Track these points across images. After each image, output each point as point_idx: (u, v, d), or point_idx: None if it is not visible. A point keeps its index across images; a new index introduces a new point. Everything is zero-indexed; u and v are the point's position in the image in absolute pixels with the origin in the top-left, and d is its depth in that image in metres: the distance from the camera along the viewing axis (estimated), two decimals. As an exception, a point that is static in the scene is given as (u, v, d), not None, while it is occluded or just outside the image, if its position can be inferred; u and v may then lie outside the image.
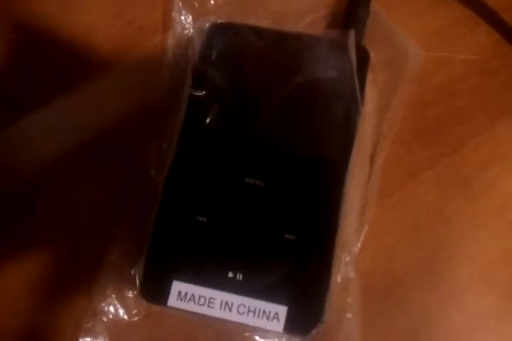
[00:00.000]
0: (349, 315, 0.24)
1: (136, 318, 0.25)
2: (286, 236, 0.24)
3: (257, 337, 0.24)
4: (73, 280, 0.26)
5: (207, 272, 0.24)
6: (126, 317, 0.25)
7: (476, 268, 0.25)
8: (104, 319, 0.25)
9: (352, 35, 0.26)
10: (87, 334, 0.25)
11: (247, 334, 0.24)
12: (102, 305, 0.25)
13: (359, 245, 0.25)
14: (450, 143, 0.27)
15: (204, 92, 0.26)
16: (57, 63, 0.29)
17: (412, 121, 0.27)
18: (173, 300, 0.24)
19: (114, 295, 0.25)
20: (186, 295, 0.24)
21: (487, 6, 0.28)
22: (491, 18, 0.28)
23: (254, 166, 0.25)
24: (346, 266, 0.24)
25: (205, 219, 0.25)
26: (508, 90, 0.27)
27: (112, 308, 0.25)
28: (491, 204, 0.26)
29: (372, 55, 0.27)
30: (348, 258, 0.25)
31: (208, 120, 0.26)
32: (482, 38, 0.28)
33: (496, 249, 0.26)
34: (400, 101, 0.27)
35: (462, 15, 0.28)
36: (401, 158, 0.27)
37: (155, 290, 0.24)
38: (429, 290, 0.25)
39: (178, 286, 0.24)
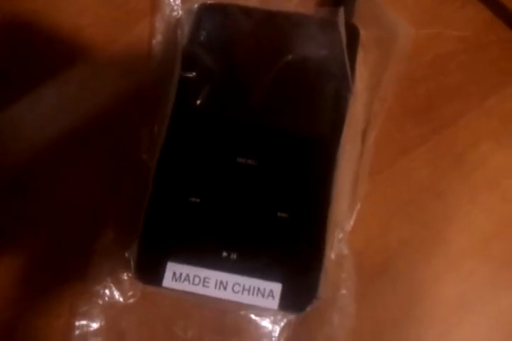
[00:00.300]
0: (343, 291, 0.24)
1: (131, 300, 0.25)
2: (278, 214, 0.24)
3: (252, 315, 0.24)
4: (67, 266, 0.26)
5: (201, 252, 0.24)
6: (121, 299, 0.25)
7: (470, 242, 0.25)
8: (100, 302, 0.25)
9: (341, 12, 0.26)
10: (83, 317, 0.25)
11: (242, 312, 0.24)
12: (97, 288, 0.25)
13: (352, 222, 0.25)
14: (441, 119, 0.27)
15: (194, 74, 0.26)
16: (45, 49, 0.28)
17: (403, 99, 0.27)
18: (168, 281, 0.24)
19: (108, 278, 0.25)
20: (181, 276, 0.24)
21: (477, -19, 0.28)
22: (481, -6, 0.28)
23: (246, 146, 0.25)
24: (340, 243, 0.25)
25: (198, 200, 0.25)
26: (498, 66, 0.27)
27: (107, 291, 0.25)
28: (484, 178, 0.26)
29: (363, 33, 0.27)
30: (341, 235, 0.25)
31: (198, 101, 0.26)
32: (473, 14, 0.28)
33: (489, 222, 0.26)
34: (391, 79, 0.27)
35: (452, -9, 0.28)
36: (392, 135, 0.27)
37: (150, 272, 0.24)
38: (423, 265, 0.25)
39: (172, 267, 0.24)
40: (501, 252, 0.25)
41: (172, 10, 0.28)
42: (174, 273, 0.24)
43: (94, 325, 0.25)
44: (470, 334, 0.25)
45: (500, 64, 0.27)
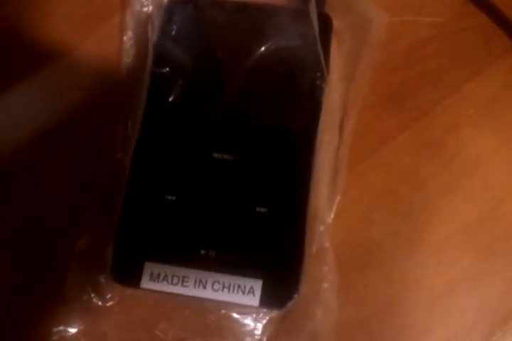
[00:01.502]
0: (325, 285, 0.23)
1: (110, 303, 0.25)
2: (257, 209, 0.24)
3: (234, 314, 0.24)
4: (44, 270, 0.25)
5: (179, 251, 0.24)
6: (100, 303, 0.24)
7: (453, 231, 0.25)
8: (78, 306, 0.25)
9: (313, 2, 0.25)
10: (62, 323, 0.25)
11: (223, 311, 0.24)
12: (75, 292, 0.25)
13: (332, 214, 0.25)
14: (419, 107, 0.26)
15: (166, 69, 0.26)
16: (14, 48, 0.28)
17: (379, 87, 0.27)
18: (146, 282, 0.23)
19: (86, 282, 0.25)
20: (159, 276, 0.23)
21: (449, -33, 0.27)
22: (454, -21, 0.27)
23: (221, 140, 0.25)
24: (321, 237, 0.24)
25: (174, 198, 0.24)
26: (474, 51, 0.27)
27: (85, 295, 0.25)
28: (464, 165, 0.26)
29: (336, 22, 0.27)
30: (322, 228, 0.24)
31: (171, 97, 0.26)
32: (445, 1, 0.27)
33: (471, 210, 0.25)
34: (366, 68, 0.26)
35: (424, -23, 0.28)
36: (370, 125, 0.26)
37: (127, 273, 0.24)
38: (406, 256, 0.25)
39: (150, 267, 0.23)
40: (484, 240, 0.25)
41: (142, 5, 0.28)
42: (152, 273, 0.23)
43: (73, 330, 0.25)
44: (455, 324, 0.24)
45: (476, 49, 0.27)
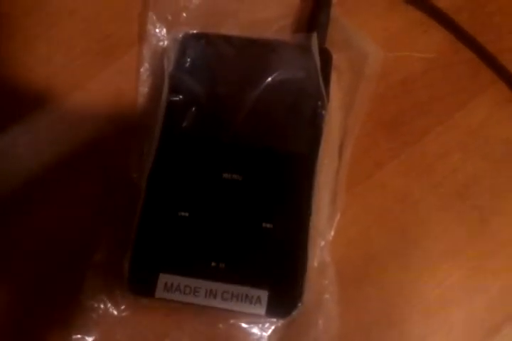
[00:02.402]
0: (327, 296, 0.25)
1: (125, 313, 0.26)
2: (263, 225, 0.26)
3: (241, 324, 0.25)
4: (62, 281, 0.27)
5: (191, 263, 0.25)
6: (115, 312, 0.26)
7: (444, 247, 0.27)
8: (94, 316, 0.26)
9: (314, 37, 0.28)
10: (79, 331, 0.26)
11: (231, 321, 0.25)
12: (92, 302, 0.26)
13: (333, 231, 0.27)
14: (412, 134, 0.29)
15: (180, 97, 0.28)
16: (36, 77, 0.30)
17: (376, 115, 0.29)
18: (160, 292, 0.25)
19: (102, 293, 0.26)
20: (172, 286, 0.25)
21: (438, 8, 0.30)
22: (443, 20, 0.30)
23: (231, 162, 0.27)
24: (322, 251, 0.26)
25: (187, 214, 0.26)
26: (462, 83, 0.29)
27: (101, 305, 0.26)
28: (454, 187, 0.28)
29: (336, 56, 0.29)
30: (322, 244, 0.26)
31: (185, 123, 0.28)
32: (436, 38, 0.30)
33: (461, 229, 0.27)
34: (363, 98, 0.29)
35: (417, 18, 0.30)
36: (367, 150, 0.28)
37: (142, 284, 0.25)
38: (402, 270, 0.27)
39: (164, 278, 0.25)
40: (474, 256, 0.27)
41: (158, 40, 0.30)
42: (166, 284, 0.25)
43: (90, 339, 0.26)
44: (448, 334, 0.26)
45: (463, 82, 0.29)
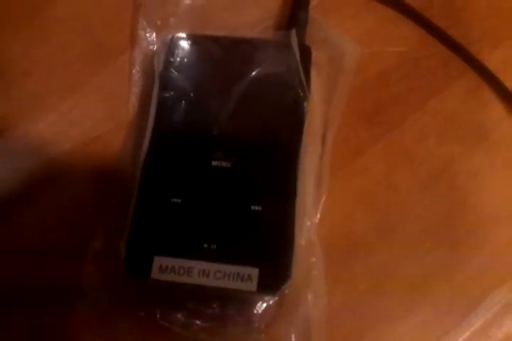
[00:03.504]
0: (315, 273, 0.26)
1: (120, 296, 0.27)
2: (252, 207, 0.27)
3: (234, 303, 0.27)
4: (61, 269, 0.28)
5: (184, 245, 0.27)
6: (111, 295, 0.27)
7: (425, 225, 0.28)
8: (93, 301, 0.27)
9: (293, 33, 0.30)
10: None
11: (225, 300, 0.27)
12: (90, 288, 0.27)
13: (319, 212, 0.28)
14: (390, 122, 0.30)
15: (170, 93, 0.30)
16: (32, 82, 0.32)
17: (355, 107, 0.31)
18: (155, 274, 0.26)
19: (101, 278, 0.27)
20: (167, 268, 0.26)
21: (409, 5, 0.32)
22: (414, 16, 0.32)
23: (219, 151, 0.28)
24: (309, 231, 0.27)
25: (179, 200, 0.28)
26: (434, 74, 0.31)
27: (100, 291, 0.27)
28: (433, 170, 0.29)
29: (315, 53, 0.31)
30: (309, 224, 0.27)
31: (175, 116, 0.29)
32: (408, 33, 0.32)
33: (440, 207, 0.29)
34: (343, 91, 0.30)
35: (389, 15, 0.33)
36: (349, 138, 0.30)
37: (138, 266, 0.26)
38: (385, 248, 0.28)
39: (159, 260, 0.26)
40: (452, 233, 0.28)
41: (149, 44, 0.32)
42: (161, 266, 0.26)
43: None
44: (431, 309, 0.27)
45: (436, 73, 0.31)
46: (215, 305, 0.27)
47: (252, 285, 0.26)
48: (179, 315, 0.27)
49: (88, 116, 0.31)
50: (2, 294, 0.28)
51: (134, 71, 0.32)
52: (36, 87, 0.32)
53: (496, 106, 0.31)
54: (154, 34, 0.32)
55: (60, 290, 0.28)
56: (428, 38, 0.32)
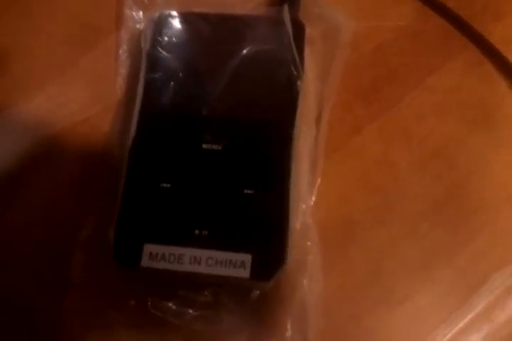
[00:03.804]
0: (310, 257, 0.25)
1: (111, 285, 0.26)
2: (245, 191, 0.26)
3: (228, 289, 0.26)
4: (50, 260, 0.27)
5: (174, 232, 0.26)
6: (101, 285, 0.26)
7: (425, 206, 0.27)
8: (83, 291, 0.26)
9: (286, 8, 0.28)
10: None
11: (218, 287, 0.26)
12: (79, 277, 0.26)
13: (314, 195, 0.27)
14: (388, 99, 0.29)
15: (158, 74, 0.29)
16: (18, 66, 0.31)
17: (350, 84, 0.29)
18: (145, 261, 0.25)
19: (90, 268, 0.27)
20: (157, 255, 0.25)
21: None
22: (411, -12, 0.31)
23: (210, 133, 0.27)
24: (304, 215, 0.26)
25: (169, 185, 0.27)
26: (433, 49, 0.30)
27: (89, 280, 0.26)
28: (432, 148, 0.28)
29: (309, 28, 0.29)
30: (304, 207, 0.26)
31: (163, 97, 0.28)
32: (405, 6, 0.31)
33: (440, 187, 0.28)
34: (338, 68, 0.29)
35: (386, -12, 0.31)
36: (344, 117, 0.29)
37: (128, 254, 0.26)
38: (383, 229, 0.27)
39: (149, 248, 0.25)
40: (455, 214, 0.27)
41: (135, 22, 0.31)
42: (151, 254, 0.25)
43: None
44: (432, 292, 0.26)
45: (435, 48, 0.30)
46: (207, 293, 0.26)
47: (245, 272, 0.25)
48: (171, 304, 0.26)
49: (75, 98, 0.30)
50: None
51: (120, 51, 0.31)
52: (22, 71, 0.31)
53: (498, 82, 0.30)
54: (141, 12, 0.31)
55: (48, 279, 0.27)
56: (426, 11, 0.31)
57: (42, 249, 0.27)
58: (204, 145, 0.27)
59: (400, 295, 0.26)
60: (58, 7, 0.32)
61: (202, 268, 0.25)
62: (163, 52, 0.29)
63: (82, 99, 0.30)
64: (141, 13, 0.31)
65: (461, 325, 0.26)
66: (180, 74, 0.29)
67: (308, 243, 0.26)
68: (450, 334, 0.26)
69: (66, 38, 0.32)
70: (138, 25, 0.31)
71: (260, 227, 0.26)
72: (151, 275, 0.26)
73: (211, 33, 0.30)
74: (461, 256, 0.27)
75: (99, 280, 0.26)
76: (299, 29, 0.29)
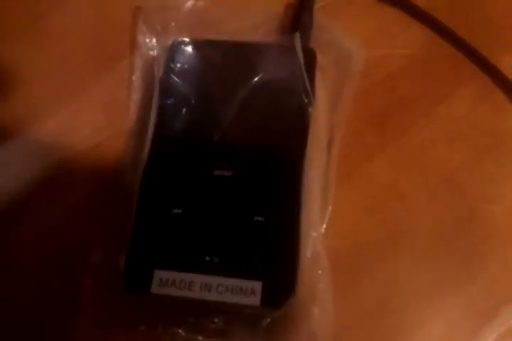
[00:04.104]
0: (321, 286, 0.25)
1: (121, 311, 0.26)
2: (255, 218, 0.26)
3: (237, 317, 0.25)
4: (60, 284, 0.27)
5: (185, 258, 0.26)
6: (111, 311, 0.26)
7: (436, 235, 0.27)
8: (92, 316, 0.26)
9: (297, 36, 0.29)
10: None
11: (227, 315, 0.26)
12: (90, 302, 0.26)
13: (325, 223, 0.27)
14: (398, 128, 0.29)
15: (171, 100, 0.29)
16: (34, 90, 0.31)
17: (361, 112, 0.30)
18: (156, 288, 0.25)
19: (100, 293, 0.27)
20: (168, 281, 0.25)
21: (416, 6, 0.31)
22: (422, 17, 0.31)
23: (221, 160, 0.28)
24: (314, 243, 0.26)
25: (180, 211, 0.27)
26: (443, 78, 0.30)
27: (99, 305, 0.26)
28: (441, 176, 0.28)
29: (320, 55, 0.30)
30: (315, 235, 0.26)
31: (175, 124, 0.29)
32: (416, 35, 0.31)
33: (451, 215, 0.28)
34: (348, 95, 0.29)
35: (396, 16, 0.32)
36: (355, 145, 0.29)
37: (138, 280, 0.26)
38: (393, 259, 0.27)
39: (159, 274, 0.25)
40: (466, 243, 0.27)
41: (149, 49, 0.32)
42: (161, 280, 0.25)
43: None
44: (445, 321, 0.26)
45: (445, 76, 0.30)
46: (217, 320, 0.26)
47: (256, 300, 0.25)
48: (181, 330, 0.26)
49: (87, 123, 0.31)
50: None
51: (133, 77, 0.31)
52: (36, 94, 0.31)
53: (509, 110, 0.30)
54: (154, 39, 0.32)
55: (60, 301, 0.27)
56: (437, 40, 0.31)
57: (52, 274, 0.27)
58: (215, 172, 0.27)
59: (411, 326, 0.26)
60: (72, 32, 0.33)
61: (212, 296, 0.25)
62: (176, 79, 0.30)
63: (94, 123, 0.31)
64: (154, 40, 0.32)
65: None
66: (193, 101, 0.29)
67: (319, 271, 0.26)
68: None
69: (80, 63, 0.32)
70: (151, 52, 0.32)
71: (271, 254, 0.26)
72: (161, 301, 0.26)
73: (223, 60, 0.30)
74: (472, 285, 0.26)
75: (109, 305, 0.26)
76: (310, 56, 0.29)
